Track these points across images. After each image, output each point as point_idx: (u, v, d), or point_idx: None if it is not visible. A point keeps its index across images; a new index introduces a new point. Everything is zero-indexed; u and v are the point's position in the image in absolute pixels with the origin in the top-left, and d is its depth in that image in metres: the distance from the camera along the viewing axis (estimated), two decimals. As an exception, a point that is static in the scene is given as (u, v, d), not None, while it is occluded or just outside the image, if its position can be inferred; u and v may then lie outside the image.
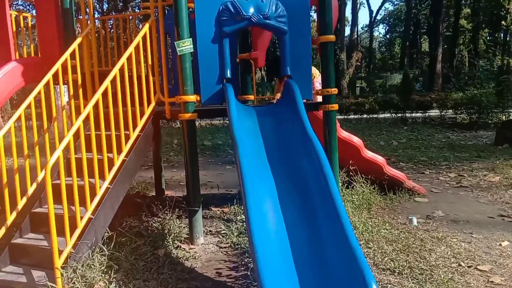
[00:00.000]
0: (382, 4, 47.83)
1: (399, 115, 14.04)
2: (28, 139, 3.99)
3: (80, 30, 5.11)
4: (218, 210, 5.26)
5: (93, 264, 3.42)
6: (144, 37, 4.15)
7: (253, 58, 5.45)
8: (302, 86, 4.13)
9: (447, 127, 12.59)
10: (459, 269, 3.40)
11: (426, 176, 6.85)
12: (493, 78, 12.83)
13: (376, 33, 57.57)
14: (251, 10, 4.05)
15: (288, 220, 3.11)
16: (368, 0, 48.46)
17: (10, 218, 3.70)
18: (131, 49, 3.98)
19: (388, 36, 56.73)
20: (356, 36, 42.08)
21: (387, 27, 56.00)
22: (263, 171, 3.50)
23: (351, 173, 5.20)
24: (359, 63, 45.28)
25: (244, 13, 4.03)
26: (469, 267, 3.45)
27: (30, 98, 3.91)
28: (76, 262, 3.35)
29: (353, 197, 5.10)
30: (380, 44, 60.42)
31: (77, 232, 3.39)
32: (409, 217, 4.67)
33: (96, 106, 3.69)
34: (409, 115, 13.99)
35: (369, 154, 5.30)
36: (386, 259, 3.60)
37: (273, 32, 4.34)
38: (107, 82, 3.72)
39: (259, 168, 3.50)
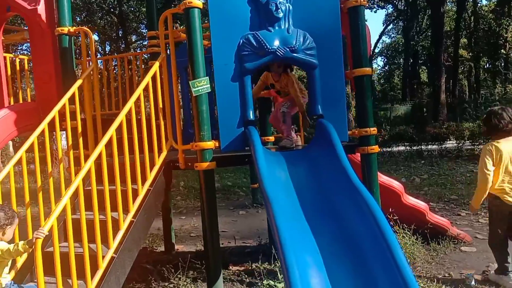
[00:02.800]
0: (380, 37, 48.23)
1: (414, 148, 13.44)
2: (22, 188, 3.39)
3: (80, 72, 4.61)
4: (238, 270, 4.57)
5: None
6: (153, 78, 3.63)
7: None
8: (337, 126, 3.55)
9: (466, 160, 11.95)
10: None
11: (463, 219, 6.17)
12: (506, 105, 12.34)
13: (375, 65, 58.03)
14: (276, 42, 3.54)
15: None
16: (370, 38, 48.80)
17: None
18: (139, 90, 3.44)
19: (387, 67, 57.17)
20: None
21: (385, 59, 56.52)
22: (302, 231, 2.87)
23: (391, 222, 4.56)
24: (360, 95, 45.11)
25: (268, 46, 3.51)
26: None
27: (22, 151, 3.33)
28: None
29: (395, 250, 4.42)
30: (379, 76, 60.82)
31: (75, 318, 2.73)
32: (467, 275, 3.98)
33: (98, 157, 3.11)
34: (424, 147, 13.39)
35: (410, 200, 4.68)
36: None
37: (301, 66, 3.82)
38: (112, 130, 3.15)
39: (296, 227, 2.88)
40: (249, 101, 3.63)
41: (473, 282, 3.88)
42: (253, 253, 5.05)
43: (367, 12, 40.56)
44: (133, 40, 32.67)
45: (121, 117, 3.22)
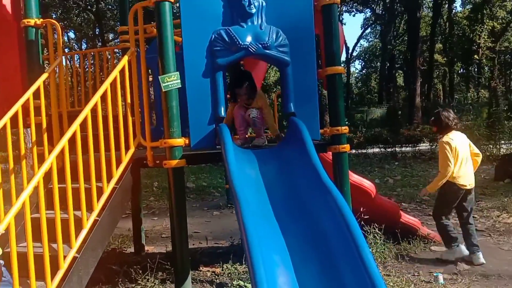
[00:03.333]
0: (358, 41, 48.86)
1: (389, 150, 13.61)
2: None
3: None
4: (209, 271, 4.49)
5: None
6: (122, 73, 3.53)
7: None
8: (308, 125, 3.53)
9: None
10: None
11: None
12: (479, 110, 12.64)
13: (352, 69, 58.75)
14: (249, 38, 3.49)
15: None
16: (344, 37, 49.47)
17: None
18: (106, 84, 3.33)
19: (364, 71, 57.99)
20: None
21: (363, 63, 57.31)
22: (271, 230, 2.83)
23: (362, 222, 4.56)
24: (338, 98, 45.62)
25: (240, 42, 3.46)
26: None
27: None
28: None
29: (366, 250, 4.43)
30: (357, 80, 61.61)
31: (33, 321, 2.61)
32: (434, 274, 4.01)
33: (61, 154, 2.99)
34: (398, 149, 13.58)
35: (381, 200, 4.69)
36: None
37: (274, 63, 3.79)
38: (75, 125, 3.04)
39: (265, 226, 2.83)
40: (221, 97, 3.57)
41: (441, 281, 3.91)
42: (225, 253, 4.97)
43: (346, 15, 41.03)
44: (110, 38, 32.13)
45: (86, 112, 3.11)
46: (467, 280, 3.93)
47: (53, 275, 2.79)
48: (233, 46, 3.46)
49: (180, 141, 3.45)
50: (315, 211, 2.88)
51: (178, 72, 3.45)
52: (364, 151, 14.03)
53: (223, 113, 3.55)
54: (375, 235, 4.57)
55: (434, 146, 13.27)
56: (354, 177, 4.53)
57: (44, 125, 3.69)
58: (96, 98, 3.21)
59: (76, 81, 5.34)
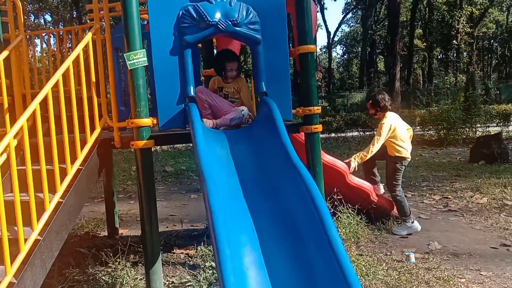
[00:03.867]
0: (339, 25, 48.91)
1: (368, 133, 13.70)
2: None
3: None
4: (182, 253, 4.44)
5: None
6: (88, 51, 3.39)
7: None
8: (281, 104, 3.44)
9: (416, 144, 12.27)
10: (483, 323, 2.78)
11: (409, 200, 6.27)
12: (458, 93, 12.79)
13: (334, 54, 58.77)
14: (218, 15, 3.37)
15: (274, 271, 2.40)
16: (325, 22, 49.33)
17: None
18: (68, 62, 3.19)
19: (345, 56, 58.13)
20: (315, 57, 42.58)
21: (344, 48, 57.40)
22: (240, 211, 2.78)
23: (336, 202, 4.56)
24: (319, 83, 45.75)
25: (209, 18, 3.34)
26: (493, 319, 2.84)
27: None
28: None
29: (340, 230, 4.44)
30: (338, 65, 61.73)
31: (-9, 306, 2.51)
32: (406, 253, 4.04)
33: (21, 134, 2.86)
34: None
35: (355, 180, 4.69)
36: (392, 313, 2.93)
37: (244, 41, 3.68)
38: (35, 104, 2.91)
39: (234, 207, 2.78)
40: (190, 76, 3.45)
41: (412, 260, 3.95)
42: (200, 236, 4.94)
43: (327, 0, 40.85)
44: (88, 21, 31.33)
45: (46, 90, 2.97)
46: (438, 259, 3.97)
47: (13, 259, 2.69)
48: (202, 23, 3.34)
49: (147, 121, 3.34)
50: (284, 191, 2.83)
51: (144, 50, 3.32)
52: (343, 134, 14.09)
53: (192, 92, 3.45)
54: (349, 215, 4.58)
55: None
56: (327, 158, 4.51)
57: (6, 105, 3.54)
58: (57, 76, 3.07)
59: (43, 61, 5.14)
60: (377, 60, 51.06)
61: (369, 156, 4.75)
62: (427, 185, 7.13)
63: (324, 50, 57.79)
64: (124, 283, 3.61)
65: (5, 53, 3.54)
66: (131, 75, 3.30)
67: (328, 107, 35.53)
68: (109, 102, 3.60)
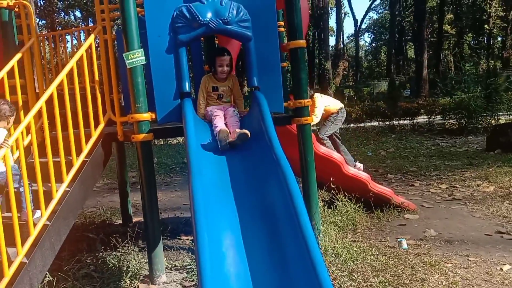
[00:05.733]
0: (366, 13, 48.08)
1: (387, 123, 13.64)
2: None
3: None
4: (188, 239, 4.72)
5: (25, 319, 2.88)
6: (91, 51, 3.68)
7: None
8: (272, 98, 3.66)
9: (436, 134, 12.19)
10: (456, 304, 2.91)
11: (416, 189, 6.38)
12: (480, 81, 12.51)
13: (362, 42, 57.92)
14: (209, 15, 3.58)
15: (252, 262, 2.59)
16: (352, 9, 48.52)
17: None
18: (72, 63, 3.48)
19: (373, 44, 57.15)
20: (342, 45, 42.08)
21: (372, 35, 56.43)
22: (225, 200, 2.99)
23: (333, 191, 4.72)
24: (346, 72, 45.25)
25: (201, 18, 3.55)
26: (467, 300, 2.96)
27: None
28: (4, 318, 2.81)
29: (336, 218, 4.61)
30: (366, 53, 60.75)
31: (5, 282, 2.84)
32: (398, 240, 4.18)
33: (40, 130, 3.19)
34: (396, 122, 13.59)
35: (351, 170, 4.83)
36: (371, 294, 3.10)
37: (235, 38, 3.88)
38: (41, 102, 3.22)
39: (220, 196, 3.00)
40: (185, 73, 3.69)
41: (404, 246, 4.07)
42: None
43: (353, -13, 40.16)
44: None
45: (52, 89, 3.28)
46: (430, 246, 4.09)
47: (22, 243, 3.01)
48: (194, 23, 3.56)
49: (146, 116, 3.61)
50: (267, 182, 3.02)
51: (142, 49, 3.58)
52: (362, 124, 14.06)
53: (187, 88, 3.68)
54: (345, 203, 4.73)
55: (432, 119, 13.28)
56: (322, 149, 4.67)
57: (20, 103, 3.88)
58: (62, 76, 3.37)
59: (53, 62, 5.49)
60: (407, 47, 49.96)
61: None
62: (437, 174, 7.15)
63: (352, 38, 57.05)
64: (130, 265, 3.90)
65: (19, 55, 3.88)
66: (130, 74, 3.56)
67: (354, 97, 35.23)
68: (113, 99, 3.87)
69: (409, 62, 48.48)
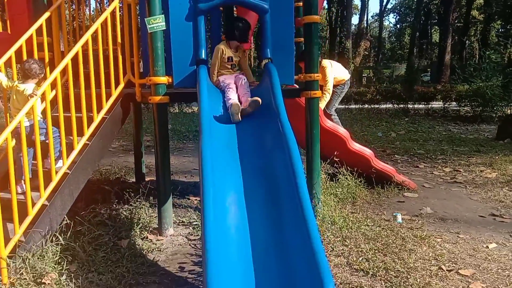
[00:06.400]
0: (393, -8, 46.87)
1: (402, 106, 13.65)
2: None
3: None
4: (196, 200, 5.02)
5: (46, 254, 3.20)
6: (114, 15, 3.88)
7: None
8: (283, 70, 3.83)
9: (450, 120, 12.21)
10: (438, 273, 3.14)
11: (420, 170, 6.55)
12: (500, 70, 12.37)
13: (386, 22, 56.71)
14: (229, -15, 3.74)
15: (252, 217, 2.84)
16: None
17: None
18: (97, 24, 3.70)
19: (398, 25, 55.93)
20: (365, 25, 41.34)
21: (398, 17, 55.20)
22: (232, 161, 3.22)
23: (336, 165, 4.93)
24: (367, 52, 44.58)
25: (220, -12, 3.72)
26: (449, 270, 3.18)
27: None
28: (27, 252, 3.13)
29: (337, 190, 4.83)
30: (390, 34, 59.56)
31: (28, 220, 3.16)
32: (394, 214, 4.39)
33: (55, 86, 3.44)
34: (411, 106, 13.60)
35: (356, 146, 5.01)
36: (361, 258, 3.35)
37: (253, 9, 4.01)
38: (67, 60, 3.46)
39: (227, 157, 3.23)
40: (202, 40, 3.87)
41: (399, 220, 4.29)
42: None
43: (379, -36, 39.00)
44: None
45: (77, 47, 3.51)
46: (424, 222, 4.30)
47: (45, 187, 3.31)
48: (214, -7, 3.72)
49: (163, 79, 3.83)
50: (271, 147, 3.24)
51: (163, 15, 3.76)
52: (377, 106, 14.10)
53: (203, 55, 3.87)
54: (347, 177, 4.94)
55: (447, 104, 13.24)
56: (329, 123, 4.84)
57: (47, 60, 4.13)
58: (86, 37, 3.59)
59: (77, 23, 5.70)
60: (432, 31, 48.85)
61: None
62: (443, 158, 7.28)
63: (376, 18, 55.89)
64: (140, 218, 4.21)
65: (47, 14, 4.10)
66: (150, 38, 3.76)
67: (372, 78, 34.88)
68: (133, 61, 4.10)
69: (433, 46, 47.49)
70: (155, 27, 3.74)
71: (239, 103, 3.47)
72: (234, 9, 5.07)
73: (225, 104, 3.69)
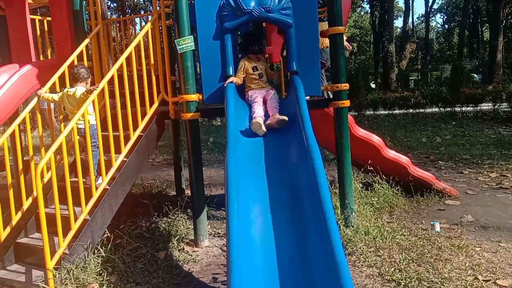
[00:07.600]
0: (439, -8, 45.37)
1: (448, 109, 13.16)
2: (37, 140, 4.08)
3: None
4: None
5: (88, 266, 3.42)
6: (148, 37, 4.11)
7: (268, 53, 5.24)
8: (310, 82, 3.89)
9: (500, 122, 11.61)
10: (474, 283, 3.03)
11: (464, 176, 6.30)
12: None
13: (433, 23, 54.90)
14: (252, 3, 3.85)
15: (277, 229, 2.90)
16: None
17: (16, 218, 3.78)
18: (130, 48, 3.93)
19: (446, 26, 54.01)
20: (410, 27, 40.24)
21: (445, 16, 53.30)
22: (258, 175, 3.29)
23: (372, 173, 4.87)
24: (413, 55, 43.32)
25: (244, 7, 3.83)
26: (486, 281, 3.07)
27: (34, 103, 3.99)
28: (71, 264, 3.36)
29: (373, 199, 4.77)
30: (438, 35, 57.58)
31: (71, 234, 3.40)
32: (432, 222, 4.27)
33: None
34: (458, 109, 13.07)
35: (391, 153, 4.93)
36: (393, 269, 3.29)
37: (277, 25, 4.12)
38: (104, 82, 3.70)
39: (253, 171, 3.31)
40: (229, 58, 4.00)
41: (437, 229, 4.17)
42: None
43: (424, -37, 37.95)
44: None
45: (113, 70, 3.75)
46: (464, 230, 4.15)
47: (86, 202, 3.54)
48: (238, 11, 3.85)
49: (194, 97, 3.99)
50: (295, 158, 3.30)
51: (192, 36, 3.94)
52: (422, 110, 13.68)
53: (231, 72, 3.99)
54: (383, 185, 4.86)
55: (497, 106, 12.64)
56: (361, 132, 4.80)
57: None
58: (121, 60, 3.83)
59: (119, 46, 6.03)
60: (484, 29, 46.74)
61: None
62: (490, 163, 6.95)
63: (422, 19, 54.30)
64: (178, 230, 4.37)
65: (87, 40, 4.41)
66: (180, 58, 3.95)
67: (420, 81, 33.81)
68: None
69: (484, 45, 45.38)
70: (184, 48, 3.92)
71: (260, 120, 3.54)
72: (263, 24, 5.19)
73: (251, 119, 3.78)
